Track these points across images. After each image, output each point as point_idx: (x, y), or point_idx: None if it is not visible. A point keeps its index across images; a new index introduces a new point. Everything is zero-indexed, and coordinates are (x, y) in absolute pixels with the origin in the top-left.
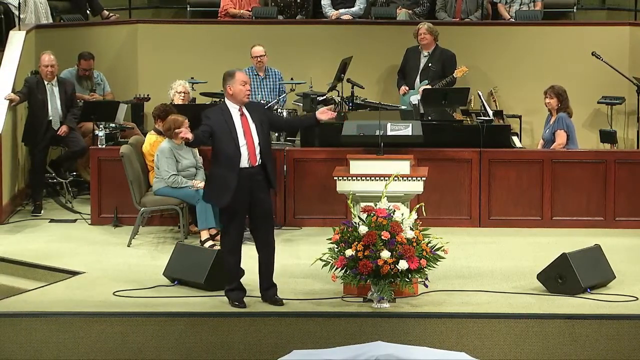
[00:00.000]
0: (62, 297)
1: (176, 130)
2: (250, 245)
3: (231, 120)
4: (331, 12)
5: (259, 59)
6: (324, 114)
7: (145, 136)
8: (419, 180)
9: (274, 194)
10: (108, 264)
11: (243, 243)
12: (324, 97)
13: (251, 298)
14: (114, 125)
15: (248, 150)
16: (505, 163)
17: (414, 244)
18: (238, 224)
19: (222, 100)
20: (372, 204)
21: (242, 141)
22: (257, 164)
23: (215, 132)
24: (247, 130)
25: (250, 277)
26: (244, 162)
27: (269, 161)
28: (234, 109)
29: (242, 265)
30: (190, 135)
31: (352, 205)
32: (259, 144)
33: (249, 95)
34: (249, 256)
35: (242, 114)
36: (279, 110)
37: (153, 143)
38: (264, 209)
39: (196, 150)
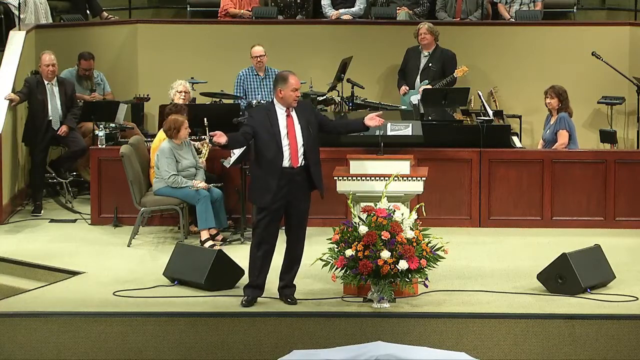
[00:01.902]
0: (62, 297)
1: (210, 134)
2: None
3: (276, 121)
4: (331, 12)
5: (259, 59)
6: (372, 120)
7: (144, 136)
8: (419, 180)
9: (321, 196)
10: (108, 264)
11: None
12: (324, 97)
13: None
14: (114, 125)
15: (290, 150)
16: (505, 163)
17: (414, 244)
18: (269, 221)
19: (271, 100)
20: (372, 204)
21: (284, 142)
22: (298, 165)
23: (257, 132)
24: (291, 131)
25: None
26: (285, 163)
27: (313, 163)
28: (280, 109)
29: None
30: (223, 140)
31: (352, 205)
32: (303, 145)
33: (297, 101)
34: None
35: (288, 115)
36: None
37: (163, 140)
38: (299, 210)
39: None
